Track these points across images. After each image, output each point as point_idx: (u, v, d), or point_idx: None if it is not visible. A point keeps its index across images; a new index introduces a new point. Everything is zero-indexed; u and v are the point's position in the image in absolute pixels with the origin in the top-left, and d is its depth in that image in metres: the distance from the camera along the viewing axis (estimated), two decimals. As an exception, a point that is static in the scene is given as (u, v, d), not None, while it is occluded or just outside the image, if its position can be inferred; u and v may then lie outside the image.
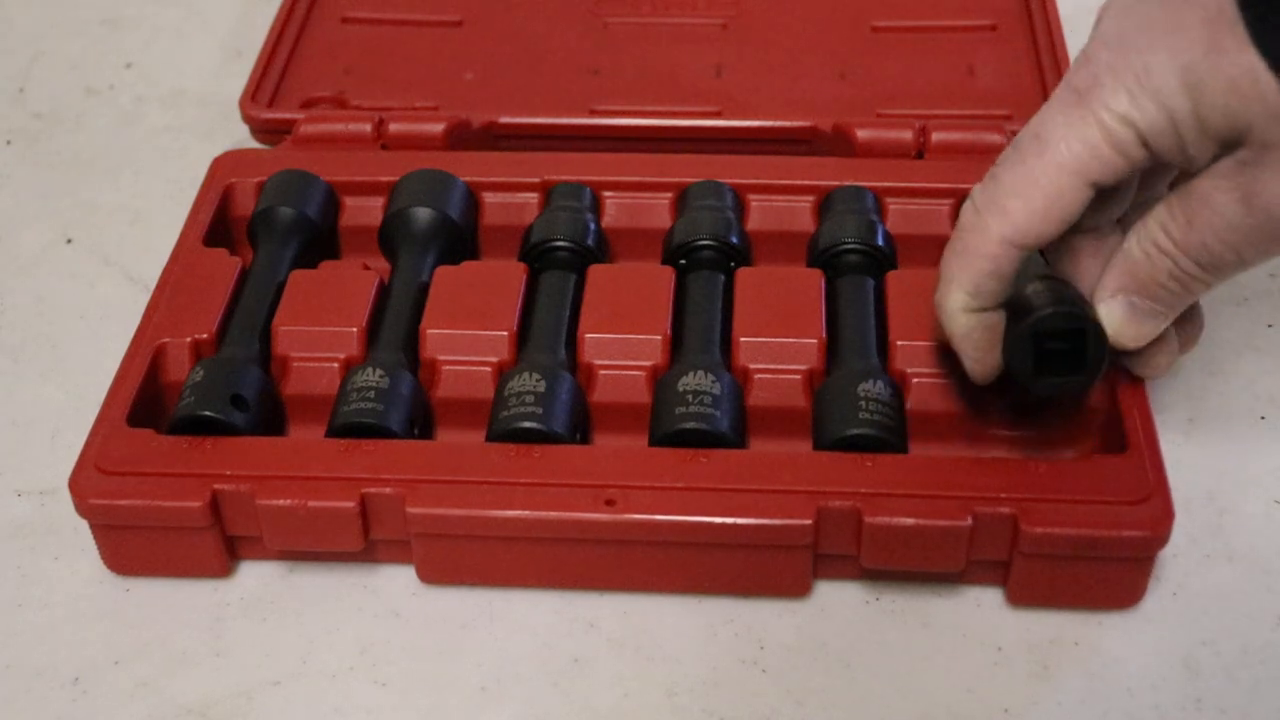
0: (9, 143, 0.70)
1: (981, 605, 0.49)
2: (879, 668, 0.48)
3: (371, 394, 0.50)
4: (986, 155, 0.59)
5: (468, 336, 0.53)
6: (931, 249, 0.58)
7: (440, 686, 0.48)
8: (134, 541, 0.50)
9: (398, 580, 0.51)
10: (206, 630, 0.50)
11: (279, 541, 0.49)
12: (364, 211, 0.60)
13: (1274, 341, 0.57)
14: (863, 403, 0.49)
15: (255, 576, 0.51)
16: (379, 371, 0.51)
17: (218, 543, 0.50)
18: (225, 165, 0.61)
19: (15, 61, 0.75)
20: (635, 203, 0.59)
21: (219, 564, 0.50)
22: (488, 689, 0.48)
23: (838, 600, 0.50)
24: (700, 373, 0.50)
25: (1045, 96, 0.62)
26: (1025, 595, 0.49)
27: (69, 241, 0.65)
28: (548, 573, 0.49)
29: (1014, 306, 0.47)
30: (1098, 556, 0.47)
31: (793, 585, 0.49)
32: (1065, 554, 0.47)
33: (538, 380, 0.50)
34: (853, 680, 0.47)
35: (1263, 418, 0.54)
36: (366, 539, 0.49)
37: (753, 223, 0.59)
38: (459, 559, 0.49)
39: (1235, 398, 0.55)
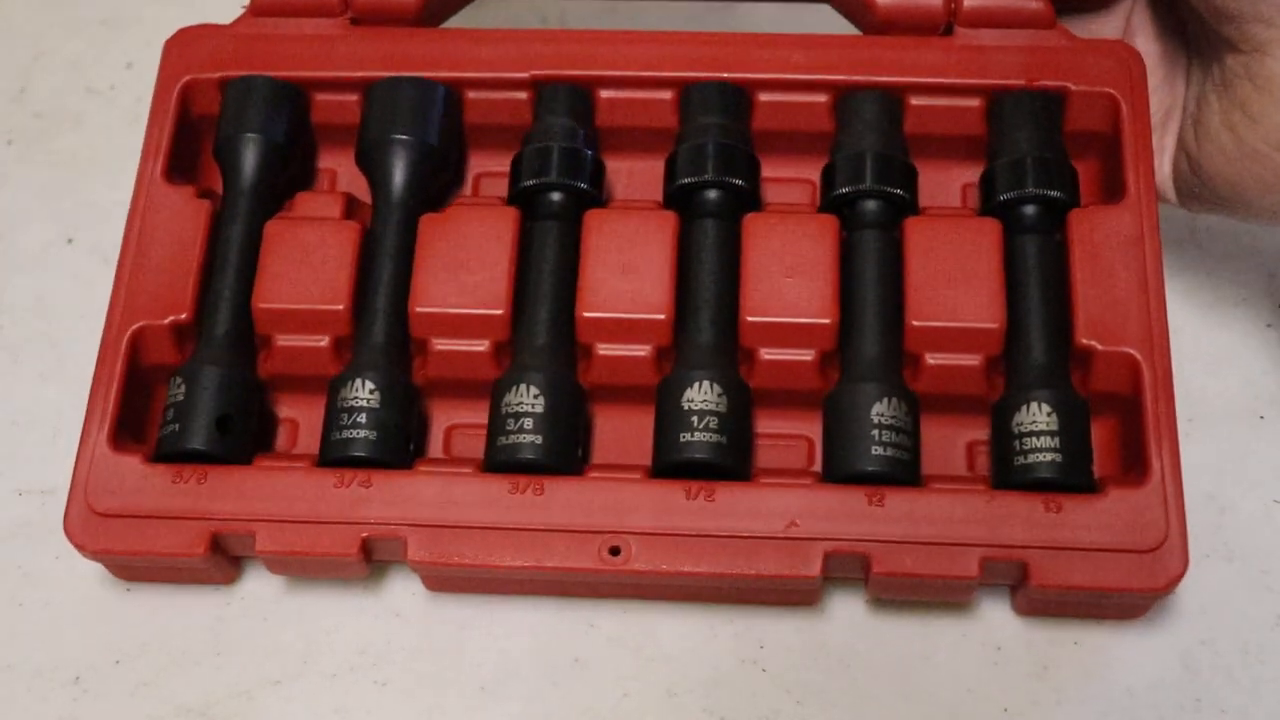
0: (9, 143, 0.70)
1: (983, 606, 0.49)
2: (879, 668, 0.48)
3: (363, 417, 0.48)
4: (1020, 27, 0.54)
5: (460, 316, 0.50)
6: (958, 149, 0.54)
7: (440, 686, 0.48)
8: (138, 565, 0.50)
9: (399, 582, 0.51)
10: (207, 630, 0.50)
11: (281, 572, 0.50)
12: (336, 109, 0.55)
13: (1274, 341, 0.57)
14: (875, 432, 0.47)
15: (256, 577, 0.51)
16: (369, 385, 0.49)
17: (221, 564, 0.49)
18: (179, 52, 0.56)
19: (15, 61, 0.75)
20: (634, 97, 0.54)
21: (224, 576, 0.51)
22: (488, 689, 0.48)
23: (839, 601, 0.50)
24: (705, 384, 0.48)
25: None
26: (1032, 612, 0.49)
27: (69, 241, 0.65)
28: (553, 591, 0.50)
29: (1002, 436, 0.48)
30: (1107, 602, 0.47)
31: (800, 603, 0.50)
32: (1074, 600, 0.47)
33: (536, 396, 0.48)
34: (853, 680, 0.47)
35: (1262, 417, 0.54)
36: (369, 568, 0.49)
37: (762, 121, 0.54)
38: (464, 584, 0.50)
39: (1235, 398, 0.55)
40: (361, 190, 0.55)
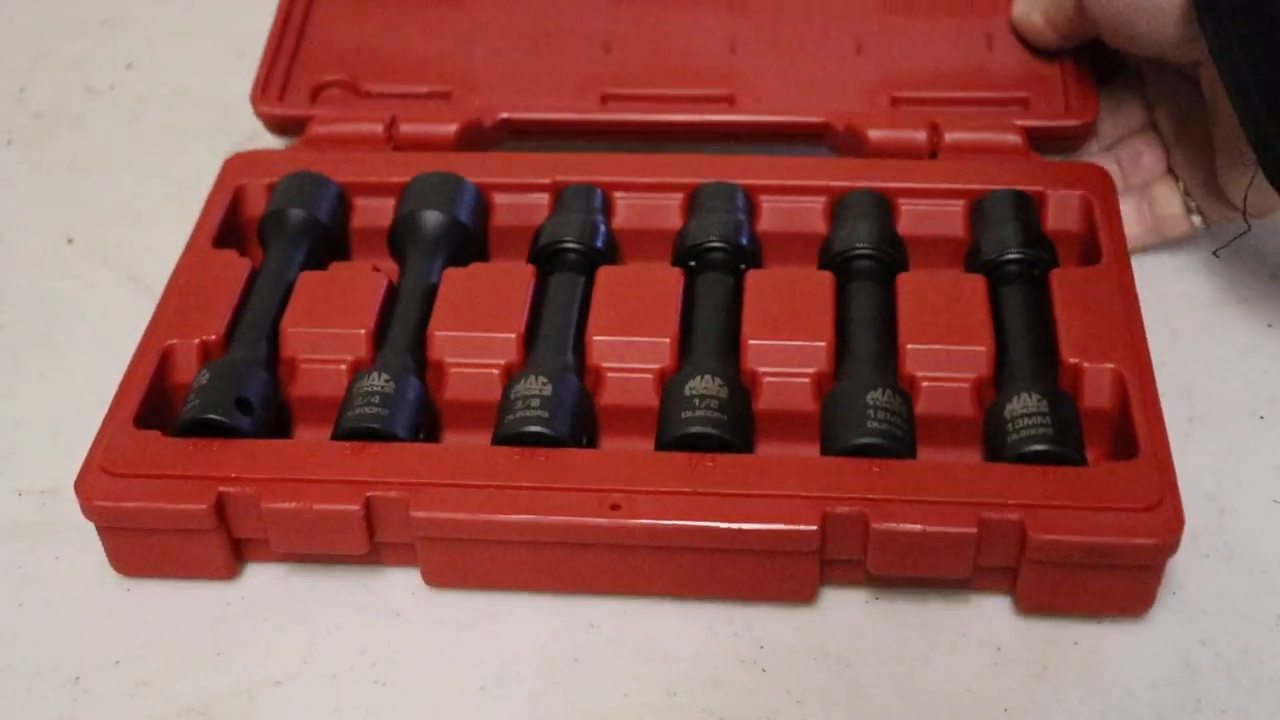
0: (9, 143, 0.70)
1: (982, 606, 0.49)
2: (879, 668, 0.48)
3: (376, 399, 0.50)
4: (998, 154, 0.59)
5: (475, 339, 0.53)
6: (944, 250, 0.58)
7: (440, 686, 0.48)
8: (141, 544, 0.50)
9: (399, 581, 0.51)
10: (207, 630, 0.50)
11: (284, 545, 0.49)
12: (375, 213, 0.60)
13: (1274, 341, 0.57)
14: (871, 411, 0.49)
15: (256, 576, 0.51)
16: (384, 376, 0.51)
17: (224, 545, 0.50)
18: (237, 166, 0.61)
19: (16, 61, 0.75)
20: (646, 203, 0.59)
21: (226, 566, 0.50)
22: (488, 689, 0.48)
23: (838, 600, 0.50)
24: (707, 377, 0.50)
25: (1063, 75, 0.62)
26: (1034, 603, 0.48)
27: (69, 241, 0.65)
28: (553, 576, 0.49)
29: (994, 426, 0.49)
30: (1107, 564, 0.47)
31: (798, 591, 0.49)
32: (1074, 561, 0.47)
33: (544, 384, 0.50)
34: (853, 680, 0.47)
35: (1262, 417, 0.55)
36: (371, 542, 0.49)
37: (764, 224, 0.58)
38: (465, 562, 0.49)
39: (1235, 398, 0.55)
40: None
